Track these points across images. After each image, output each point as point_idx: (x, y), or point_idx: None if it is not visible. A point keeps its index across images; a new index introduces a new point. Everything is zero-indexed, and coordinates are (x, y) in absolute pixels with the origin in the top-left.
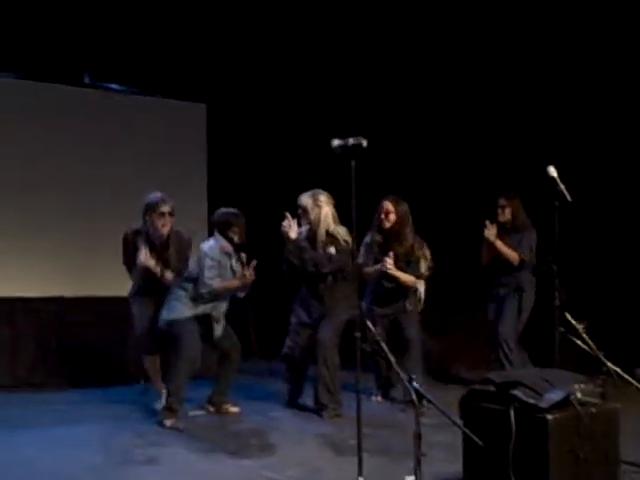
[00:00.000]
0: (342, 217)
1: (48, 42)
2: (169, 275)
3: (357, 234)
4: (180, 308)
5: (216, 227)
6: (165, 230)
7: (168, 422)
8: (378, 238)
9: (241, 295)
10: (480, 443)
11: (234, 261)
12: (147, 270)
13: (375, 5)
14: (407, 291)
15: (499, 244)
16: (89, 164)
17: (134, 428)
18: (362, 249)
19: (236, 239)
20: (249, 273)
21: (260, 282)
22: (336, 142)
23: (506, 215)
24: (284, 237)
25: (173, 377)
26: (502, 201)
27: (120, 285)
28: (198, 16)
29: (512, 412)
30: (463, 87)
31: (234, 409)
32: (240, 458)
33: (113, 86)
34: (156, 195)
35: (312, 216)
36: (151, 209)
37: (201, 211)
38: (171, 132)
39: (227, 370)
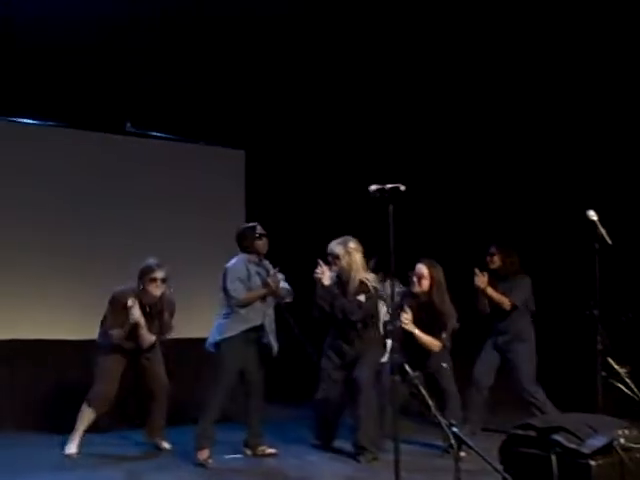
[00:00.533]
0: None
1: (91, 91)
2: (150, 337)
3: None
4: (229, 326)
5: (238, 244)
6: (158, 294)
7: (199, 455)
8: (410, 302)
9: (283, 301)
10: None
11: (264, 270)
12: (134, 328)
13: (409, 56)
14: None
15: (489, 291)
16: (129, 209)
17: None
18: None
19: (262, 250)
20: (272, 279)
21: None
22: (374, 187)
23: (495, 262)
24: (317, 283)
25: (206, 405)
26: (492, 249)
27: None
28: (237, 64)
29: (554, 458)
30: (501, 137)
31: (271, 450)
32: None
33: (154, 133)
34: (152, 261)
35: (343, 263)
36: (146, 274)
37: None
38: (210, 178)
39: (252, 408)
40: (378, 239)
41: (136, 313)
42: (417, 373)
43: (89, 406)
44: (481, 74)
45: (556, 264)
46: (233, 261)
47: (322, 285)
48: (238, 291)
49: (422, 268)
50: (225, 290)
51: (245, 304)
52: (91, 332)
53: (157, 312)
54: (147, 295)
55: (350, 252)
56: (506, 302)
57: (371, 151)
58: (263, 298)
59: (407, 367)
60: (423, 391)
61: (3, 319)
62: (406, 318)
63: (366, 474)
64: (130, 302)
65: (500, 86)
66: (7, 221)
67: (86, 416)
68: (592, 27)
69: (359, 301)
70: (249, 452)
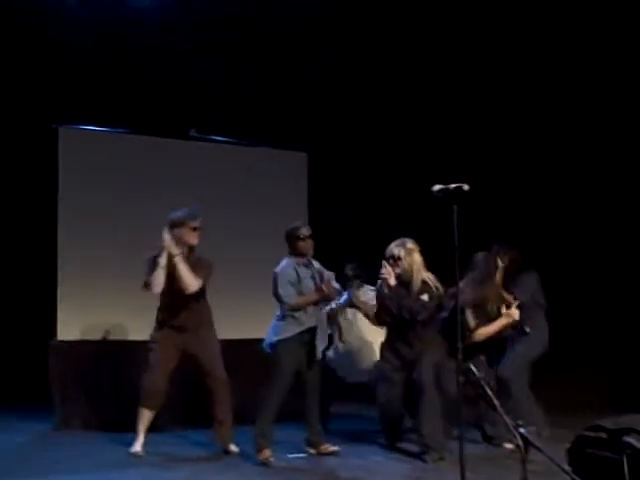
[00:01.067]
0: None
1: (157, 98)
2: (192, 279)
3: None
4: (284, 327)
5: (288, 245)
6: (196, 242)
7: (260, 456)
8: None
9: (327, 309)
10: None
11: (315, 272)
12: (173, 278)
13: (473, 57)
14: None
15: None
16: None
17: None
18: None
19: (306, 251)
20: (325, 286)
21: None
22: (437, 187)
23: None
24: (382, 284)
25: (263, 406)
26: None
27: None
28: (298, 66)
29: (625, 460)
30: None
31: (333, 448)
32: None
33: (217, 138)
34: (189, 210)
35: (405, 264)
36: (184, 224)
37: None
38: (273, 181)
39: (310, 407)
40: (441, 239)
41: (167, 238)
42: (482, 374)
43: (141, 402)
44: (538, 75)
45: (629, 262)
46: (282, 264)
47: (388, 286)
48: (290, 296)
49: (497, 249)
50: (277, 295)
51: (297, 308)
52: None
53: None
54: (183, 245)
55: (410, 252)
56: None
57: (433, 151)
58: (315, 302)
59: (473, 368)
60: (489, 392)
61: (73, 320)
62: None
63: (433, 474)
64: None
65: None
66: (83, 222)
67: (142, 413)
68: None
69: (424, 301)
70: (312, 451)
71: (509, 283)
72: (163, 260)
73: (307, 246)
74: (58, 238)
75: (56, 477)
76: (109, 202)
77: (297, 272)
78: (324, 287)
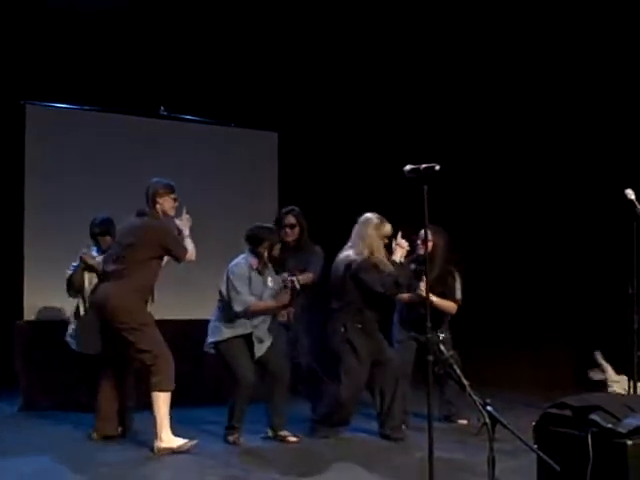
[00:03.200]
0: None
1: (126, 77)
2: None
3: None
4: (220, 330)
5: (247, 242)
6: (173, 213)
7: (230, 438)
8: (413, 266)
9: (282, 319)
10: (557, 468)
11: (269, 280)
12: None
13: (442, 36)
14: (442, 318)
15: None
16: None
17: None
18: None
19: (266, 255)
20: (286, 296)
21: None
22: (408, 167)
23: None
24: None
25: (232, 400)
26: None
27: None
28: (269, 47)
29: (590, 437)
30: (534, 111)
31: (293, 438)
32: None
33: (187, 117)
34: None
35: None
36: (166, 193)
37: None
38: (243, 160)
39: (277, 395)
40: (412, 220)
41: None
42: (452, 352)
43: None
44: (514, 53)
45: (593, 244)
46: (236, 260)
47: (400, 263)
48: (248, 297)
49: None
50: (230, 295)
51: (252, 314)
52: None
53: None
54: (163, 215)
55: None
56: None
57: (404, 131)
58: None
59: (442, 347)
60: (458, 371)
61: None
62: (423, 286)
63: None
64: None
65: (535, 65)
66: (50, 201)
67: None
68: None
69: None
70: (270, 434)
71: None
72: (187, 231)
73: (272, 251)
74: (25, 218)
75: (21, 458)
76: (76, 180)
77: (252, 273)
78: (284, 297)
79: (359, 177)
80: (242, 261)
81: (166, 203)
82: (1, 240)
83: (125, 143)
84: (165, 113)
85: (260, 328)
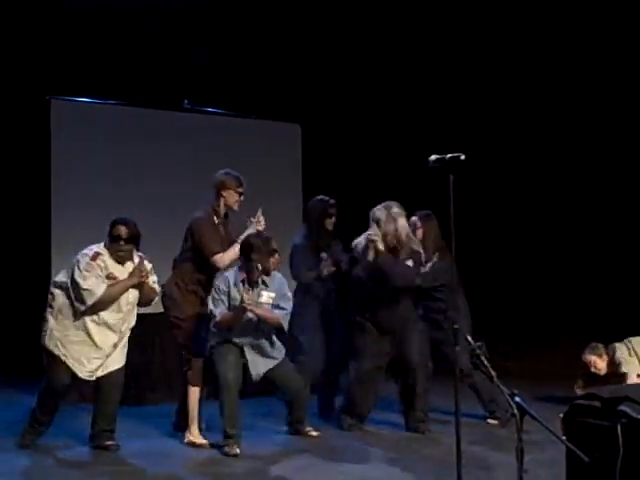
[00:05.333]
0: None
1: (150, 70)
2: None
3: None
4: (212, 333)
5: (240, 250)
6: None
7: (227, 449)
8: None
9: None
10: (586, 459)
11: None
12: None
13: (468, 27)
14: None
15: None
16: (188, 184)
17: None
18: None
19: (258, 267)
20: (246, 303)
21: None
22: (433, 157)
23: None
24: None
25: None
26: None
27: None
28: (291, 38)
29: (619, 428)
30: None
31: (314, 433)
32: None
33: (210, 109)
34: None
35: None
36: (230, 186)
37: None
38: (267, 152)
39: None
40: (437, 210)
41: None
42: (480, 342)
43: None
44: (538, 49)
45: (616, 238)
46: (228, 272)
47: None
48: (217, 311)
49: (415, 220)
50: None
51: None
52: None
53: None
54: (226, 208)
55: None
56: None
57: (429, 121)
58: None
59: (469, 337)
60: (485, 361)
61: None
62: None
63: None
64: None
65: (559, 63)
66: (75, 194)
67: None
68: None
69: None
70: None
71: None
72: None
73: (263, 263)
74: (51, 211)
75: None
76: (101, 174)
77: (233, 289)
78: (244, 305)
79: (383, 169)
80: (231, 274)
81: (230, 197)
82: (28, 237)
83: (149, 136)
84: (188, 106)
85: (243, 339)
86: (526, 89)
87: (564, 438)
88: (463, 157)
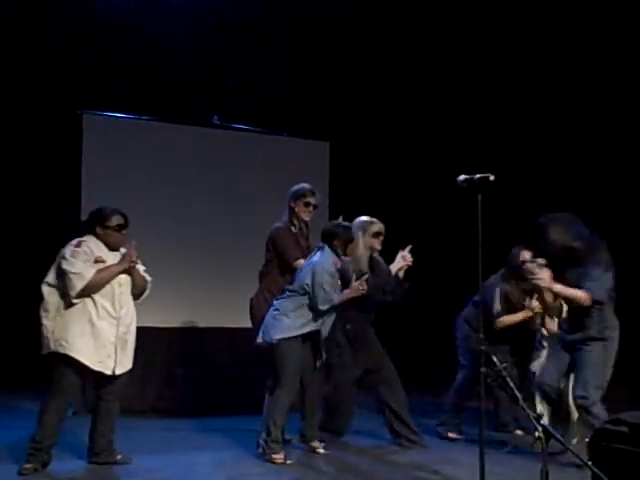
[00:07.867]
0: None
1: (180, 86)
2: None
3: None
4: (287, 325)
5: (323, 238)
6: (307, 218)
7: (275, 457)
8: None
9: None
10: None
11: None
12: None
13: (496, 48)
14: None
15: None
16: (217, 201)
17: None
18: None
19: (339, 252)
20: (360, 284)
21: None
22: (462, 177)
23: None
24: None
25: (273, 406)
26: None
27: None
28: (320, 56)
29: None
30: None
31: (322, 450)
32: None
33: (239, 126)
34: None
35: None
36: (299, 197)
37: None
38: (295, 170)
39: (309, 403)
40: (466, 230)
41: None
42: (505, 364)
43: None
44: (569, 64)
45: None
46: (323, 257)
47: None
48: (334, 295)
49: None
50: (315, 291)
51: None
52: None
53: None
54: (298, 219)
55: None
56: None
57: (457, 141)
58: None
59: (494, 358)
60: (511, 383)
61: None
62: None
63: (449, 464)
64: None
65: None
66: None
67: None
68: None
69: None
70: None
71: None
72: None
73: (343, 248)
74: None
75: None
76: (132, 189)
77: (335, 271)
78: (359, 285)
79: (411, 187)
80: (328, 259)
81: (298, 207)
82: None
83: (179, 152)
84: (218, 122)
85: (326, 324)
86: (558, 112)
87: (590, 462)
88: (492, 177)
